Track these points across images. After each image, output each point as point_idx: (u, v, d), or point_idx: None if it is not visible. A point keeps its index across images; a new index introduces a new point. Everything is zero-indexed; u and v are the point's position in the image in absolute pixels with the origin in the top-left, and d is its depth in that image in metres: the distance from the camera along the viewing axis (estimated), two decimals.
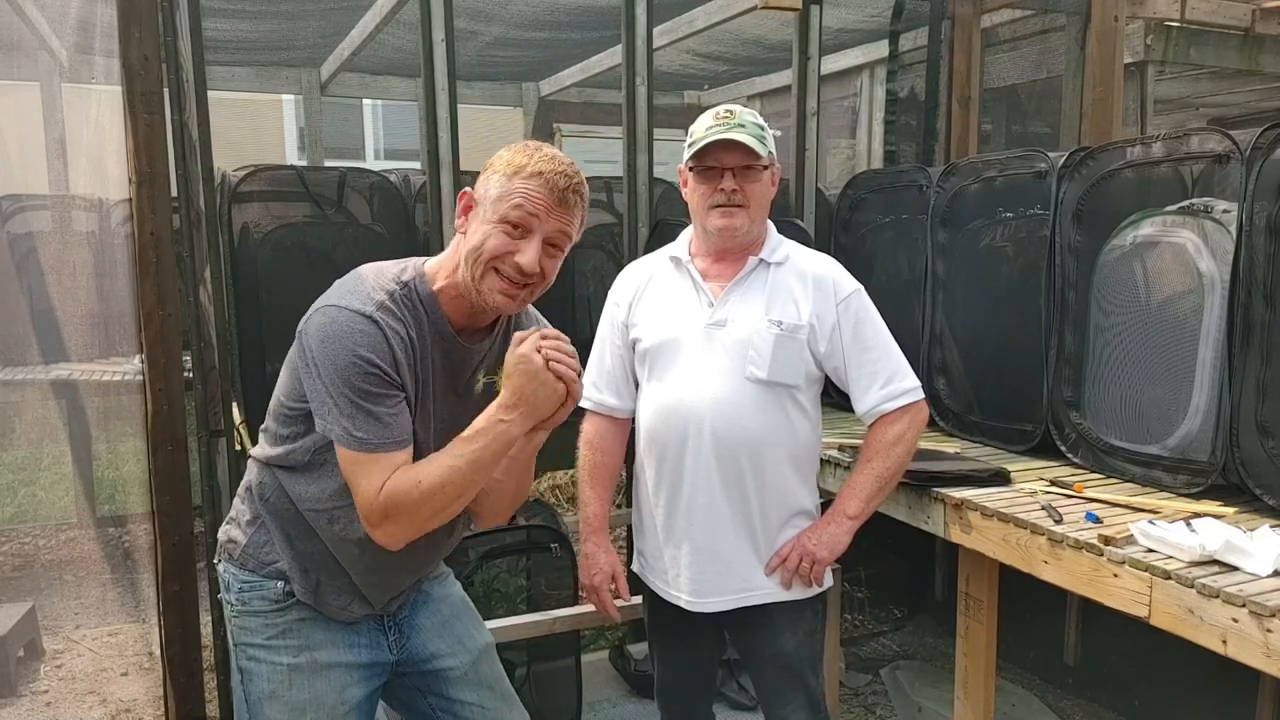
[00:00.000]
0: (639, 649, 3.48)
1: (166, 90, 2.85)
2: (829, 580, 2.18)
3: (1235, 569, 1.77)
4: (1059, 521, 2.09)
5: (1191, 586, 1.75)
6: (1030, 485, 2.39)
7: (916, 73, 4.49)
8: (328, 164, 5.57)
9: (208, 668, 3.22)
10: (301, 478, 1.70)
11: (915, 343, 2.99)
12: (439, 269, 1.69)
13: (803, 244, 2.26)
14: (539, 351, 1.58)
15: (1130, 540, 1.95)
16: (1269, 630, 1.62)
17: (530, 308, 1.90)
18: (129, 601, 4.46)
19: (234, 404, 3.14)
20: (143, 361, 2.91)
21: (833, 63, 5.35)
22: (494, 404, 1.61)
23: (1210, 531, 1.89)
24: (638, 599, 2.38)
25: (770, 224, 2.20)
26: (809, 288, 2.11)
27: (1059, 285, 2.59)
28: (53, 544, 5.22)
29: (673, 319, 2.14)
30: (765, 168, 2.09)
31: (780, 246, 2.17)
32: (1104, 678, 3.61)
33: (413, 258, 1.74)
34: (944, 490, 2.38)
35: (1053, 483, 2.38)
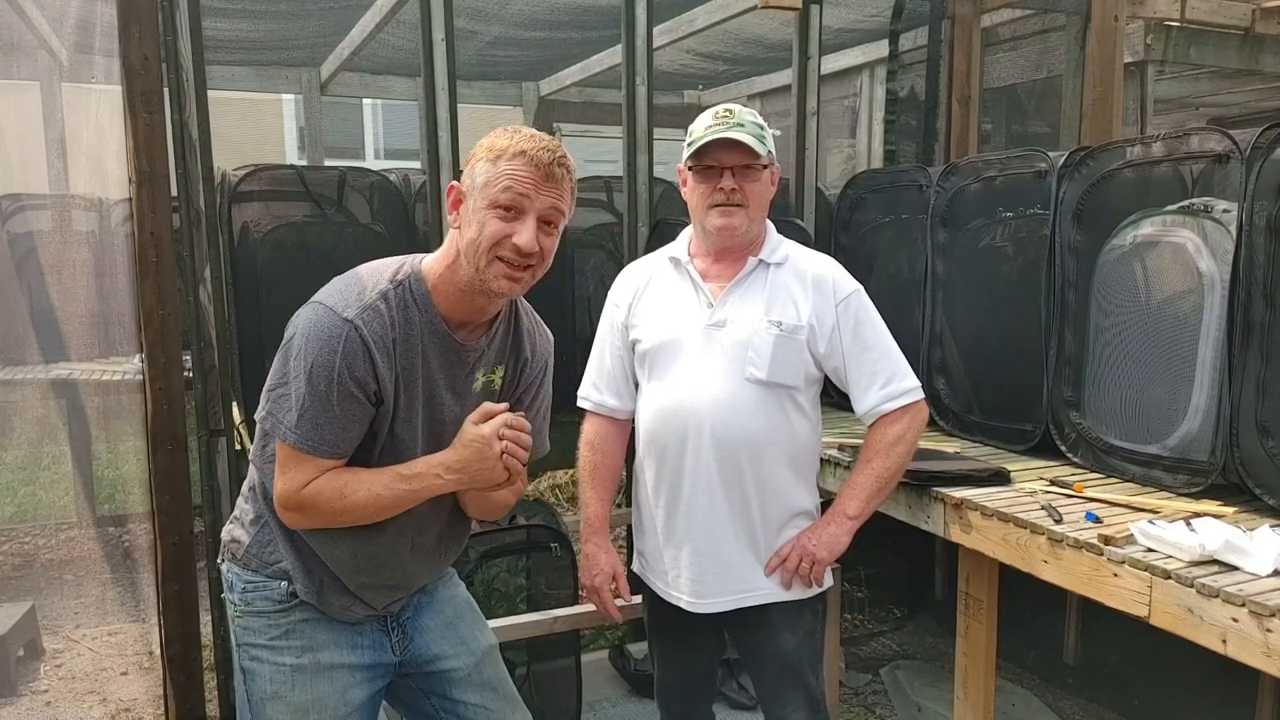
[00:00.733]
0: (639, 649, 3.48)
1: (166, 90, 2.85)
2: (829, 580, 2.18)
3: (1235, 569, 1.78)
4: (1059, 521, 2.09)
5: (1191, 586, 1.75)
6: (1030, 485, 2.39)
7: (916, 72, 4.49)
8: (328, 164, 5.58)
9: (208, 667, 3.22)
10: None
11: (915, 343, 2.99)
12: (435, 265, 1.69)
13: (802, 244, 2.26)
14: (500, 438, 1.67)
15: (1130, 540, 1.95)
16: (1269, 630, 1.62)
17: (543, 326, 1.91)
18: (129, 601, 4.46)
19: (234, 404, 3.14)
20: (143, 361, 2.92)
21: (833, 63, 5.35)
22: (439, 458, 1.68)
23: (1210, 531, 1.89)
24: (638, 599, 2.38)
25: (770, 224, 2.20)
26: (808, 288, 2.11)
27: (1059, 285, 2.59)
28: (53, 544, 5.22)
29: (672, 320, 2.14)
30: (765, 167, 2.09)
31: (780, 247, 2.17)
32: (1104, 677, 3.61)
33: (410, 255, 1.75)
34: (944, 490, 2.38)
35: (1053, 482, 2.38)
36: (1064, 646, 3.74)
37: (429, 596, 1.94)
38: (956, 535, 2.35)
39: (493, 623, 2.32)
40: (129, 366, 4.39)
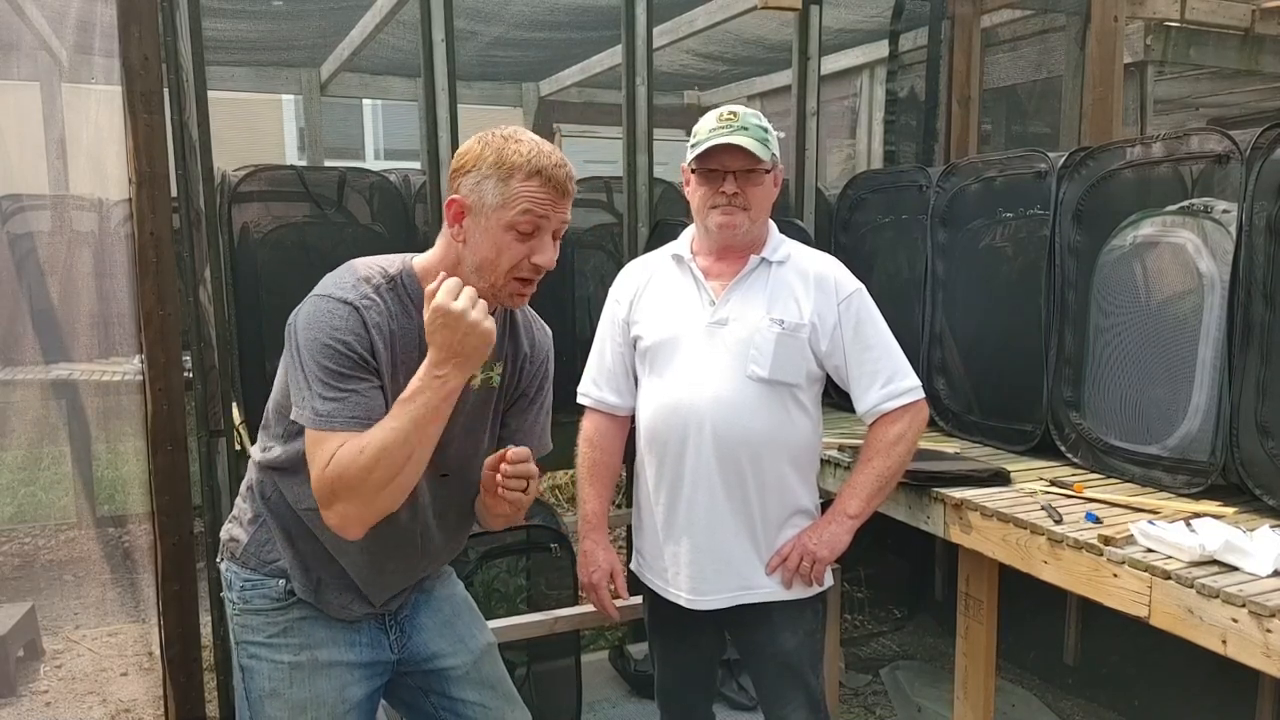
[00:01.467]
0: (639, 649, 3.48)
1: (166, 90, 2.85)
2: (829, 580, 2.18)
3: (1235, 569, 1.77)
4: (1059, 521, 2.09)
5: (1191, 586, 1.75)
6: (1030, 485, 2.39)
7: (916, 73, 4.49)
8: (328, 164, 5.57)
9: (208, 668, 3.22)
10: (296, 479, 1.70)
11: (915, 343, 2.99)
12: (429, 268, 1.68)
13: (803, 244, 2.26)
14: (500, 473, 1.62)
15: (1130, 540, 1.95)
16: (1269, 630, 1.62)
17: (540, 321, 1.91)
18: (129, 601, 4.46)
19: (234, 404, 3.14)
20: (143, 361, 2.92)
21: (833, 63, 5.35)
22: (425, 363, 1.55)
23: (1210, 531, 1.89)
24: (637, 599, 2.38)
25: (772, 223, 2.21)
26: (810, 286, 2.11)
27: (1059, 285, 2.59)
28: (53, 544, 5.22)
29: (674, 317, 2.14)
30: (767, 171, 2.09)
31: (782, 245, 2.17)
32: (1104, 678, 3.61)
33: (404, 254, 1.74)
34: (944, 490, 2.38)
35: (1052, 483, 2.38)
36: (1064, 647, 3.74)
37: (427, 595, 1.94)
38: (956, 535, 2.35)
39: (493, 623, 2.32)
40: (129, 367, 4.39)
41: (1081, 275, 2.54)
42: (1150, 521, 1.98)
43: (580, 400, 2.31)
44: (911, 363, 2.16)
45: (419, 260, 1.72)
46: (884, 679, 3.65)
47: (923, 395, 2.14)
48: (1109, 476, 2.42)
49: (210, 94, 2.93)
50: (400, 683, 1.93)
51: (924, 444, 2.52)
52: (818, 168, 3.81)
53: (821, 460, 2.40)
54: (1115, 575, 1.91)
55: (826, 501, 2.21)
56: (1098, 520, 2.08)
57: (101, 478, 5.51)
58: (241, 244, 3.33)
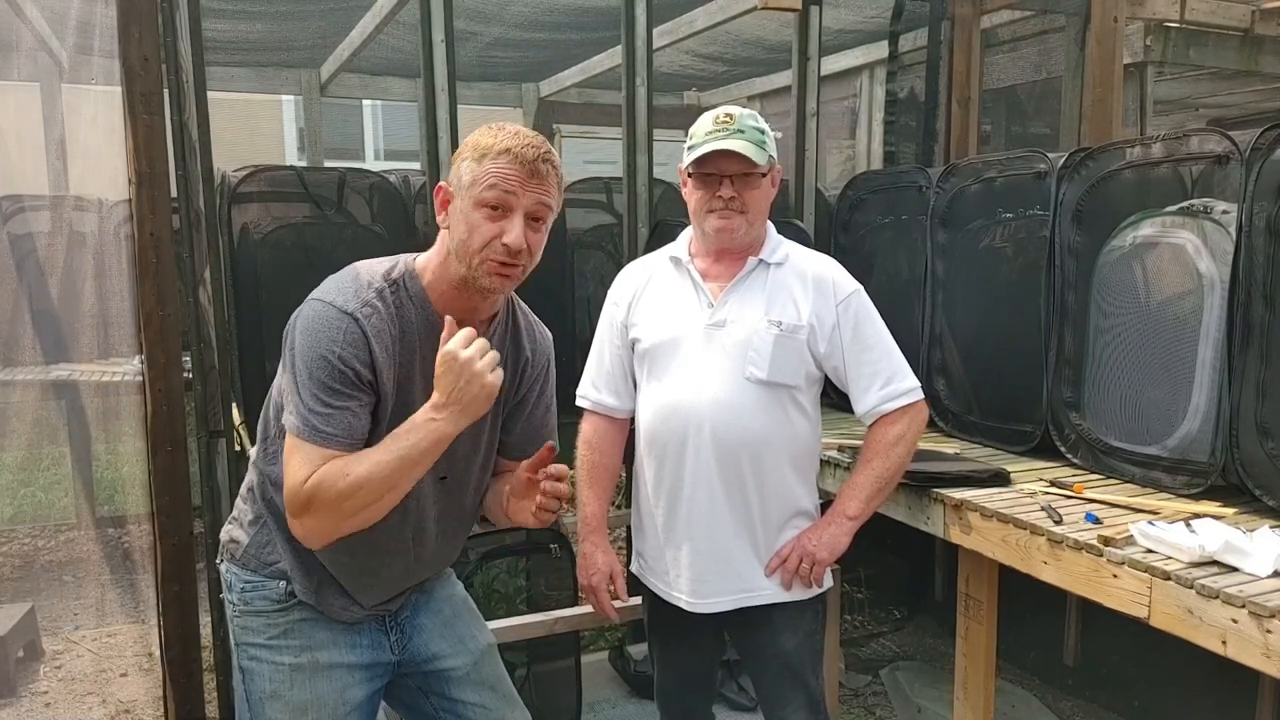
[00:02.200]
0: (639, 649, 3.48)
1: (166, 91, 2.86)
2: (829, 581, 2.18)
3: (1235, 569, 1.78)
4: (1059, 522, 2.09)
5: (1191, 587, 1.75)
6: (1030, 486, 2.39)
7: (916, 73, 4.49)
8: (327, 164, 5.57)
9: (208, 668, 3.22)
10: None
11: (915, 343, 2.99)
12: (428, 265, 1.70)
13: (802, 245, 2.26)
14: (538, 487, 1.65)
15: (1130, 541, 1.95)
16: (1269, 631, 1.62)
17: (540, 325, 1.90)
18: (129, 602, 4.46)
19: (234, 404, 3.14)
20: (143, 362, 2.92)
21: (833, 63, 5.36)
22: (426, 404, 1.59)
23: (1210, 532, 1.89)
24: (637, 600, 2.38)
25: (770, 224, 2.20)
26: (809, 288, 2.11)
27: (1059, 286, 2.59)
28: (52, 544, 5.22)
29: (672, 319, 2.14)
30: (764, 174, 2.09)
31: (780, 247, 2.17)
32: (1104, 678, 3.61)
33: (404, 254, 1.75)
34: (944, 491, 2.38)
35: (1052, 483, 2.38)
36: (1064, 647, 3.74)
37: (426, 596, 1.94)
38: (956, 536, 2.35)
39: (493, 624, 2.32)
40: (129, 367, 4.39)
41: (1081, 276, 2.54)
42: (1150, 522, 1.98)
43: (579, 403, 2.31)
44: (911, 363, 2.16)
45: (420, 259, 1.72)
46: (884, 679, 3.65)
47: (922, 396, 2.14)
48: (1109, 477, 2.42)
49: (210, 94, 2.93)
50: (400, 684, 1.93)
51: (924, 444, 2.52)
52: (817, 168, 3.81)
53: (821, 461, 2.40)
54: (1115, 576, 1.91)
55: (826, 502, 2.21)
56: (1097, 521, 2.08)
57: (101, 478, 5.51)
58: (241, 244, 3.32)
